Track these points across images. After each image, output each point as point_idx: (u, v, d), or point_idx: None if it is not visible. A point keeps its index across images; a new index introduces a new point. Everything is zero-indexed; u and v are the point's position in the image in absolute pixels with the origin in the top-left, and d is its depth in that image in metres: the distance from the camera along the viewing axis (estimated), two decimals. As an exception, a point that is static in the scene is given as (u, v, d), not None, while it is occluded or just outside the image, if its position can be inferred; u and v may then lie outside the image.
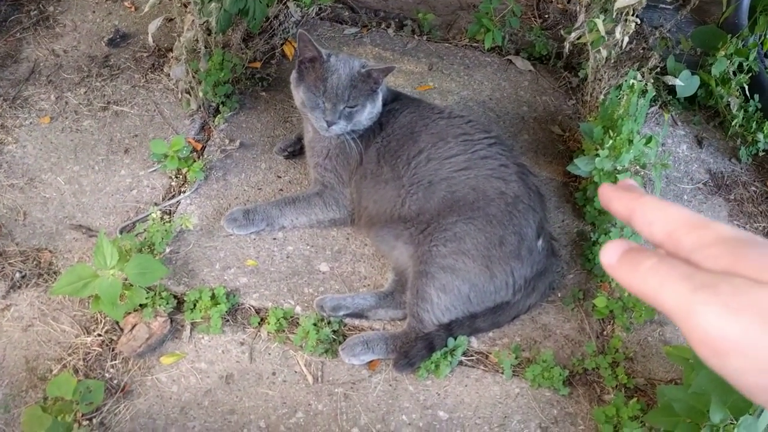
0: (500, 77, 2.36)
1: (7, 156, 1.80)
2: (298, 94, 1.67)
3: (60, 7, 2.25)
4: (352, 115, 1.62)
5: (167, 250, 1.61)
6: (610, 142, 1.77)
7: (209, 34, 1.99)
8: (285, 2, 2.29)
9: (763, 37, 2.36)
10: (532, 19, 2.70)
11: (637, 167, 1.87)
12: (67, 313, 1.52)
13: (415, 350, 1.50)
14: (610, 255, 0.43)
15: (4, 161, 1.79)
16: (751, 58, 2.22)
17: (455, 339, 1.54)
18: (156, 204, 1.73)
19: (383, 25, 2.49)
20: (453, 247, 1.51)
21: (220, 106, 1.98)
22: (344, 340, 1.54)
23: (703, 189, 2.11)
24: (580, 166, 1.84)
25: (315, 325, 1.52)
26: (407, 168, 1.62)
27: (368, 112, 1.64)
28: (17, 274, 1.56)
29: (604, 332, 1.68)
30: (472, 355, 1.59)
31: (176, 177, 1.81)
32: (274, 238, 1.73)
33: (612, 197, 0.46)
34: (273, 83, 2.13)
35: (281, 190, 1.84)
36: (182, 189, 1.79)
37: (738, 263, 0.38)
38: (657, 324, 1.68)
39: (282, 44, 2.25)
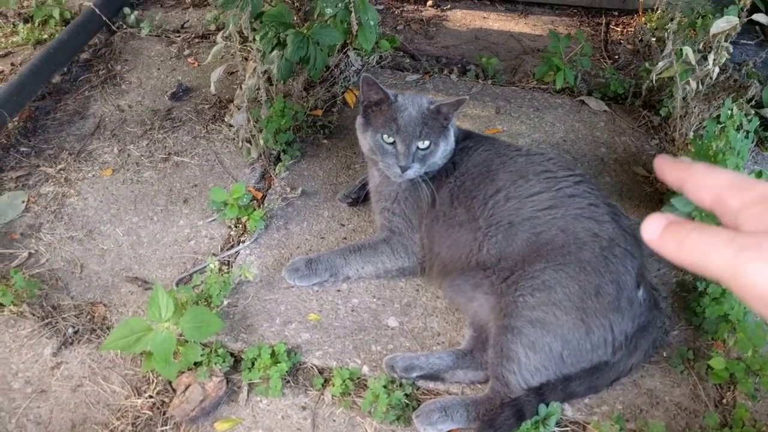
0: (573, 118, 2.21)
1: (68, 208, 1.77)
2: (366, 140, 1.57)
3: (127, 66, 2.29)
4: (426, 157, 1.50)
5: (225, 302, 1.49)
6: (713, 178, 1.56)
7: (270, 83, 1.96)
8: (345, 51, 2.25)
9: None
10: (601, 60, 2.57)
11: (743, 208, 1.65)
12: (119, 372, 1.41)
13: (502, 418, 1.29)
14: (652, 230, 0.45)
15: (66, 213, 1.75)
16: None
17: (547, 406, 1.32)
18: (214, 254, 1.64)
19: (445, 71, 2.41)
20: (542, 297, 1.32)
21: (281, 154, 1.91)
22: (418, 405, 1.35)
23: (819, 232, 1.84)
24: (678, 206, 1.63)
25: (385, 387, 1.34)
26: (484, 208, 1.47)
27: (442, 151, 1.52)
28: (70, 329, 1.47)
29: (724, 400, 1.42)
30: (566, 426, 1.36)
31: (235, 226, 1.72)
32: (338, 290, 1.59)
33: (666, 169, 0.49)
34: (335, 130, 2.05)
35: (345, 238, 1.71)
36: (241, 239, 1.69)
37: None
38: (789, 391, 1.41)
39: (343, 92, 2.19)
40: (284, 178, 1.86)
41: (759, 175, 1.59)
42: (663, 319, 1.53)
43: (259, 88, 1.86)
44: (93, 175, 1.87)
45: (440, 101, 1.51)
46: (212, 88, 1.81)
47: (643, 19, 2.75)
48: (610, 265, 1.35)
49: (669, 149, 2.03)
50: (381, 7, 2.78)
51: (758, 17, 1.76)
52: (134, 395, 1.37)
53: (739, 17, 1.73)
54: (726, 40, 1.72)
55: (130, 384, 1.39)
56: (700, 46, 1.85)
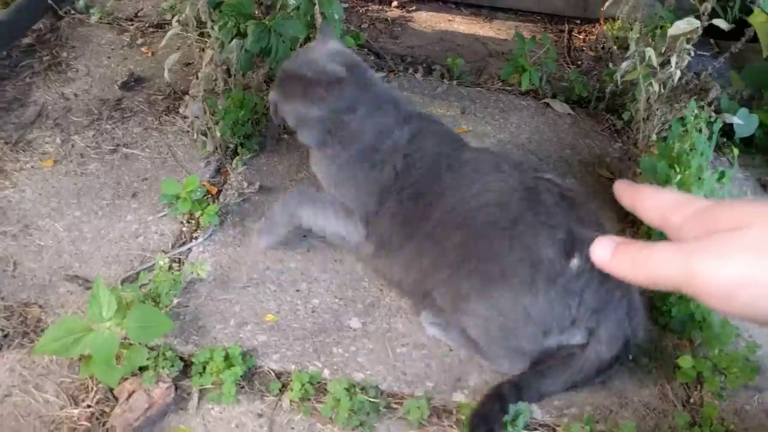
0: (538, 120, 2.20)
1: (2, 201, 1.62)
2: None
3: (74, 53, 2.15)
4: None
5: (175, 302, 1.38)
6: (678, 177, 1.56)
7: (229, 75, 1.86)
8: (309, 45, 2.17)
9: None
10: (565, 65, 2.58)
11: (706, 209, 1.65)
12: (53, 380, 1.28)
13: (493, 413, 1.24)
14: (603, 252, 0.48)
15: (-1, 207, 1.61)
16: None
17: (516, 404, 1.27)
18: (164, 251, 1.52)
19: (410, 71, 2.36)
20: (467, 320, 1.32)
21: (239, 147, 1.82)
22: (383, 410, 1.28)
23: (776, 236, 1.86)
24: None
25: (347, 390, 1.26)
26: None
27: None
28: (-1, 333, 1.34)
29: (691, 399, 1.40)
30: (535, 428, 1.31)
31: (188, 222, 1.62)
32: (297, 290, 1.50)
33: (622, 193, 0.54)
34: (296, 126, 1.96)
35: (304, 236, 1.63)
36: (194, 235, 1.59)
37: (715, 224, 0.45)
38: (755, 390, 1.40)
39: (305, 87, 2.11)
40: (241, 173, 1.76)
41: (722, 175, 1.60)
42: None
43: (216, 78, 1.76)
44: (32, 167, 1.73)
45: None
46: (166, 76, 1.70)
47: (605, 27, 2.79)
48: (515, 245, 1.26)
49: (632, 151, 2.03)
50: (345, 5, 2.72)
51: (718, 22, 1.78)
52: (70, 405, 1.24)
53: (699, 20, 1.75)
54: (687, 43, 1.73)
55: (65, 393, 1.26)
56: (662, 51, 1.87)
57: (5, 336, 1.33)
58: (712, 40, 2.71)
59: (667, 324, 1.51)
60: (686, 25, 1.66)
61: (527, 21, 2.88)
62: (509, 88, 2.33)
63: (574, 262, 1.24)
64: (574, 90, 2.30)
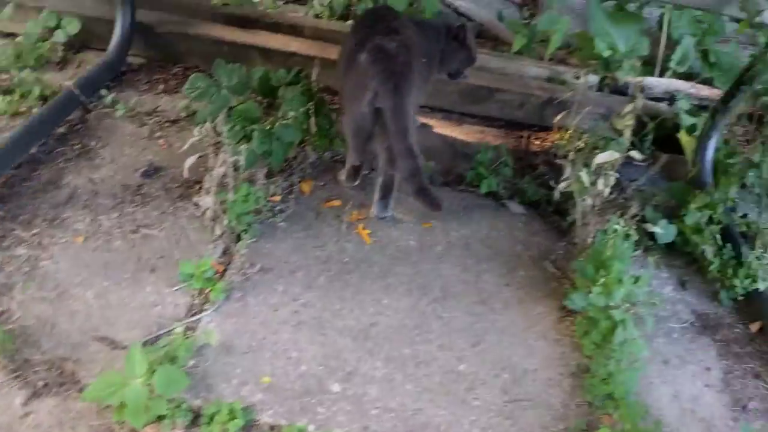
0: (497, 219, 2.59)
1: (41, 270, 1.92)
2: None
3: (101, 142, 2.50)
4: None
5: (190, 363, 1.67)
6: (602, 280, 1.94)
7: (236, 171, 2.23)
8: (303, 146, 2.56)
9: (726, 194, 2.63)
10: (522, 168, 3.00)
11: (628, 305, 2.03)
12: (85, 423, 1.54)
13: None
14: None
15: (38, 275, 1.90)
16: (719, 212, 2.44)
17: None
18: (178, 320, 1.82)
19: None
20: None
21: (242, 233, 2.15)
22: (356, 460, 1.56)
23: (690, 329, 2.22)
24: (576, 301, 2.00)
25: (328, 444, 1.55)
26: None
27: None
28: (40, 383, 1.60)
29: (605, 465, 1.71)
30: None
31: (198, 296, 1.93)
32: (289, 357, 1.80)
33: None
34: (291, 215, 2.32)
35: (296, 311, 1.94)
36: (204, 307, 1.89)
37: None
38: (658, 456, 1.72)
39: (299, 181, 2.48)
40: (244, 255, 2.10)
41: (637, 279, 1.99)
42: None
43: (226, 175, 2.13)
44: (65, 241, 2.03)
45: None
46: (185, 173, 2.06)
47: (557, 135, 3.26)
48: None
49: (572, 251, 2.42)
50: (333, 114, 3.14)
51: (633, 154, 2.24)
52: (98, 446, 1.50)
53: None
54: (611, 169, 2.17)
55: (94, 435, 1.53)
56: (592, 169, 2.30)
57: (45, 385, 1.60)
58: (648, 151, 3.18)
59: (593, 401, 1.84)
60: (608, 156, 2.10)
61: (491, 126, 3.33)
62: (472, 189, 2.73)
63: (362, 56, 2.04)
64: (527, 193, 2.72)
